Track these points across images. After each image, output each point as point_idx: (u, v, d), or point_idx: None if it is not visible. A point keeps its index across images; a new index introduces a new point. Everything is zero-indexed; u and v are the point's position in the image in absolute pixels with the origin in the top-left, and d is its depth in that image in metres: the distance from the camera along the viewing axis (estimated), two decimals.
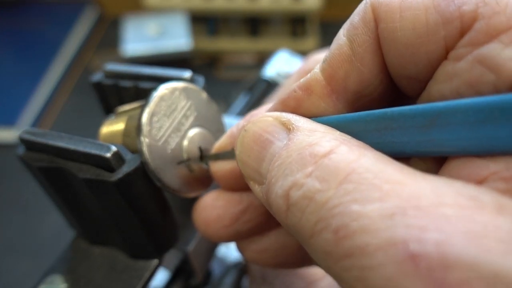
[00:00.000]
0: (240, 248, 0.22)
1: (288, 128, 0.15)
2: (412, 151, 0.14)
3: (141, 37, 0.83)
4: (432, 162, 0.15)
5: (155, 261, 0.22)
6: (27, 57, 0.96)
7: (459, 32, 0.13)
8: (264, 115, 0.17)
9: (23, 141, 0.20)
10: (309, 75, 0.17)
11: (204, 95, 0.22)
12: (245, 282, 0.34)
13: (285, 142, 0.15)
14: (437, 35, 0.13)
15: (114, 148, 0.19)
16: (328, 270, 0.12)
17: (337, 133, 0.15)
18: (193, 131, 0.22)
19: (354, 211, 0.11)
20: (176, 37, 0.83)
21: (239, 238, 0.21)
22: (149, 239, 0.21)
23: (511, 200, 0.11)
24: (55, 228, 0.69)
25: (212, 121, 0.23)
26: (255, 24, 0.95)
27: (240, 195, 0.21)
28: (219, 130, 0.23)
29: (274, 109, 0.18)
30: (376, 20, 0.15)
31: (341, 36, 0.16)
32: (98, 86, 0.25)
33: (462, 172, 0.12)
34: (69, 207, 0.22)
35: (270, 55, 0.44)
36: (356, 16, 0.16)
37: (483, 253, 0.10)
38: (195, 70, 0.24)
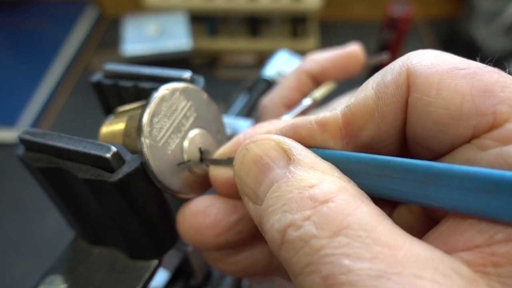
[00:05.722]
0: (210, 259, 0.22)
1: (288, 157, 0.16)
2: (408, 200, 0.15)
3: (141, 37, 0.83)
4: (426, 219, 0.16)
5: (155, 262, 0.22)
6: (27, 57, 0.96)
7: (489, 126, 0.14)
8: (267, 138, 0.17)
9: (23, 141, 0.20)
10: (329, 113, 0.17)
11: (204, 95, 0.22)
12: (245, 282, 0.34)
13: (284, 172, 0.16)
14: (469, 122, 0.14)
15: (114, 149, 0.18)
16: None
17: (336, 174, 0.15)
18: (194, 132, 0.22)
19: (345, 265, 0.12)
20: (176, 37, 0.83)
21: (226, 248, 0.21)
22: (149, 239, 0.21)
23: (480, 280, 0.12)
24: (55, 228, 0.69)
25: (212, 122, 0.23)
26: (255, 24, 0.95)
27: (234, 204, 0.21)
28: (219, 130, 0.23)
29: (285, 132, 0.18)
30: (410, 87, 0.15)
31: (370, 88, 0.16)
32: (98, 86, 0.25)
33: (451, 239, 0.14)
34: (68, 207, 0.22)
35: (270, 55, 0.44)
36: (389, 75, 0.16)
37: None
38: (195, 70, 0.24)
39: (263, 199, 0.16)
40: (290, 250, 0.14)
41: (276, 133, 0.18)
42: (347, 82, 0.32)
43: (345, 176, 0.16)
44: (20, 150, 0.21)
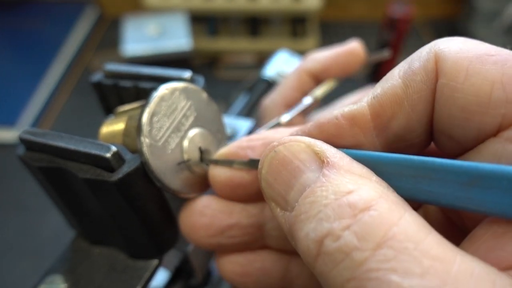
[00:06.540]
0: (223, 271, 0.22)
1: (321, 160, 0.15)
2: (447, 203, 0.13)
3: (141, 37, 0.83)
4: (447, 226, 0.15)
5: (155, 261, 0.22)
6: (27, 57, 0.96)
7: None
8: (296, 140, 0.16)
9: (23, 141, 0.20)
10: (354, 106, 0.16)
11: (204, 95, 0.22)
12: None
13: (317, 175, 0.14)
14: (497, 110, 0.13)
15: (114, 148, 0.18)
16: None
17: (374, 179, 0.14)
18: (193, 132, 0.22)
19: (393, 281, 0.11)
20: (176, 37, 0.83)
21: (220, 250, 0.21)
22: (149, 239, 0.21)
23: None
24: (55, 228, 0.69)
25: (212, 121, 0.23)
26: (255, 24, 0.95)
27: (231, 208, 0.21)
28: (219, 130, 0.23)
29: (309, 132, 0.17)
30: (438, 72, 0.15)
31: (396, 77, 0.16)
32: (98, 86, 0.25)
33: (492, 254, 0.12)
34: (69, 207, 0.22)
35: (270, 55, 0.44)
36: (417, 62, 0.16)
37: None
38: (195, 70, 0.24)
39: (293, 205, 0.15)
40: (328, 263, 0.13)
41: (301, 134, 0.17)
42: (348, 80, 0.32)
43: (383, 181, 0.14)
44: (21, 150, 0.21)
